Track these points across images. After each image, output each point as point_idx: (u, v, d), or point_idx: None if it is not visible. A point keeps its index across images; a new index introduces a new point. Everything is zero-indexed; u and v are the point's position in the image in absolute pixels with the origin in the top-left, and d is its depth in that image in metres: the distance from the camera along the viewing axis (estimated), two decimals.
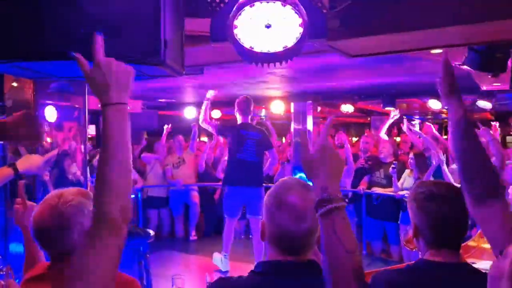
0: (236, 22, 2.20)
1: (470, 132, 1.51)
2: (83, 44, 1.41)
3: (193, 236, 7.57)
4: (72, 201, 1.51)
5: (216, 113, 9.04)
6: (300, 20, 2.12)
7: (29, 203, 1.95)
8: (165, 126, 7.70)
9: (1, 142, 1.26)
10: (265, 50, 2.18)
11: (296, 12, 2.11)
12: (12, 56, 1.45)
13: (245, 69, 4.80)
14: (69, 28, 1.43)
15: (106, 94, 1.14)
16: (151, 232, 4.37)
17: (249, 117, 5.33)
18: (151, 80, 2.04)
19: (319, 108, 8.11)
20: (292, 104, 7.40)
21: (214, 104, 8.74)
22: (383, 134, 6.74)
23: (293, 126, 7.43)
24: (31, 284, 1.56)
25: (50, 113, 5.14)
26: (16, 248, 3.67)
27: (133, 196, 7.23)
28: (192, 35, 2.75)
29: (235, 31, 2.20)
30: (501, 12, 2.25)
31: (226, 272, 5.29)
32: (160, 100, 8.40)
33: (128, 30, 1.56)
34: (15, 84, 3.85)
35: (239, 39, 2.19)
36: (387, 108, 7.43)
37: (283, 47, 2.15)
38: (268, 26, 2.16)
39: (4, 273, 1.47)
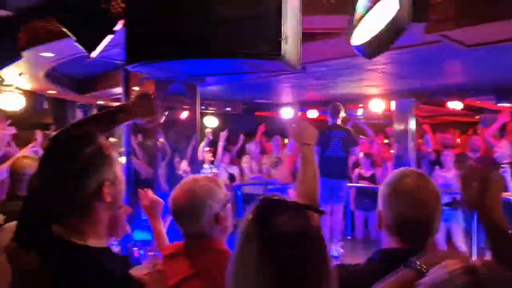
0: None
1: None
2: (217, 42, 1.58)
3: None
4: (205, 186, 1.66)
5: (313, 113, 9.06)
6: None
7: (154, 197, 2.15)
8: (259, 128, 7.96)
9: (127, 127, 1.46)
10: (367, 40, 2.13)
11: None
12: (156, 57, 1.65)
13: (346, 67, 4.77)
14: (203, 28, 1.60)
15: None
16: None
17: (337, 120, 6.21)
18: (250, 81, 2.15)
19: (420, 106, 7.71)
20: (392, 103, 7.14)
21: (311, 104, 8.82)
22: (492, 135, 6.18)
23: (394, 126, 7.17)
24: (170, 260, 1.74)
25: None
26: (139, 235, 4.07)
27: (232, 193, 7.60)
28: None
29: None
30: None
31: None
32: (257, 101, 8.67)
33: (251, 27, 1.69)
34: (136, 88, 4.29)
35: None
36: (500, 105, 6.83)
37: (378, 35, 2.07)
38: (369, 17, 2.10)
39: (152, 253, 1.66)
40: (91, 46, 2.14)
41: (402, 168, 1.49)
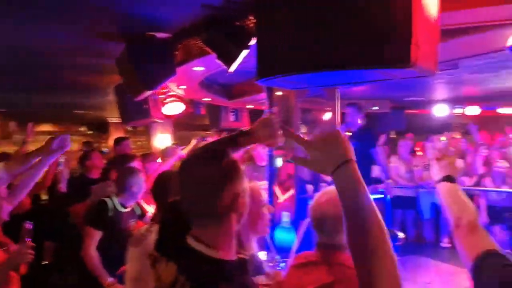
0: None
1: None
2: (345, 52, 1.56)
3: (446, 243, 7.04)
4: None
5: (475, 110, 8.12)
6: None
7: None
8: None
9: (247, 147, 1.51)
10: None
11: None
12: (285, 71, 1.70)
13: (506, 59, 4.16)
14: (330, 38, 1.59)
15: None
16: (401, 235, 4.29)
17: None
18: (398, 80, 2.04)
19: None
20: None
21: (471, 100, 7.92)
22: None
23: None
24: (304, 269, 1.77)
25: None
26: (280, 235, 4.25)
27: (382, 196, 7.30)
28: (445, 29, 2.59)
29: None
30: None
31: None
32: (407, 99, 8.15)
33: (379, 34, 1.61)
34: (279, 93, 4.46)
35: None
36: None
37: None
38: None
39: (273, 265, 1.72)
40: (229, 61, 2.31)
41: None
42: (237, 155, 1.39)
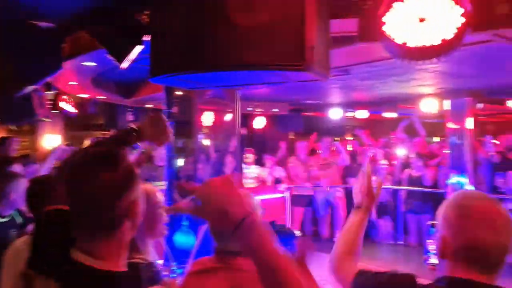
0: (384, 19, 2.10)
1: None
2: (238, 55, 1.52)
3: None
4: None
5: (364, 114, 8.80)
6: (461, 10, 1.92)
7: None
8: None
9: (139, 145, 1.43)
10: (419, 45, 2.04)
11: (456, 2, 1.91)
12: (179, 70, 1.62)
13: (393, 67, 4.54)
14: (225, 41, 1.55)
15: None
16: (297, 233, 4.45)
17: None
18: (296, 83, 2.07)
19: (480, 105, 7.22)
20: (446, 102, 6.74)
21: (360, 104, 8.57)
22: None
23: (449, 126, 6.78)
24: (203, 275, 1.69)
25: (207, 118, 5.65)
26: (179, 239, 4.12)
27: (281, 195, 7.53)
28: (336, 36, 2.71)
29: (384, 28, 2.11)
30: None
31: None
32: (305, 102, 8.53)
33: (273, 38, 1.61)
34: (179, 92, 4.33)
35: (390, 35, 2.09)
36: None
37: (441, 40, 1.98)
38: (422, 20, 2.02)
39: (169, 273, 1.63)
40: (121, 57, 2.16)
41: (467, 190, 1.38)
42: (133, 157, 1.27)
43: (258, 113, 8.35)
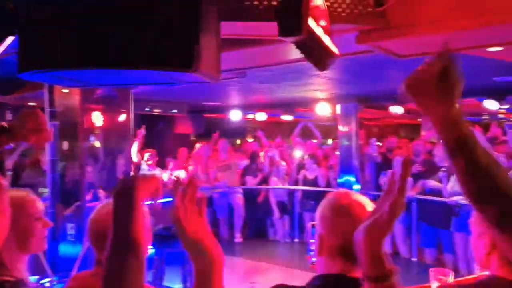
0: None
1: None
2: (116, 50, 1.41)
3: (238, 238, 7.61)
4: None
5: (263, 116, 9.02)
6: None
7: None
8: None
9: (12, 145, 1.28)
10: None
11: None
12: (50, 66, 1.46)
13: (288, 72, 4.71)
14: (103, 35, 1.42)
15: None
16: None
17: None
18: (195, 84, 2.01)
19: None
20: (338, 106, 7.21)
21: (260, 107, 8.79)
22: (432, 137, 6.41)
23: (339, 129, 7.25)
24: (85, 278, 1.58)
25: (97, 118, 5.33)
26: (65, 249, 3.81)
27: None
28: (233, 38, 2.71)
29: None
30: None
31: None
32: (205, 103, 8.49)
33: (160, 36, 1.53)
34: (65, 90, 4.00)
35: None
36: None
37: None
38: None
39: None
40: None
41: (340, 189, 1.45)
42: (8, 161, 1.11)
43: (156, 114, 8.09)
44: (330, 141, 11.70)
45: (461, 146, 0.96)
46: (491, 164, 0.96)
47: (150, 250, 4.28)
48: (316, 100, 7.50)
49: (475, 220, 1.59)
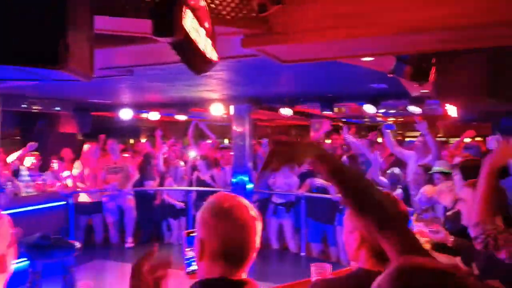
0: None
1: None
2: None
3: (130, 243, 7.28)
4: None
5: (156, 115, 8.77)
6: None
7: None
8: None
9: None
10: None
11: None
12: None
13: (179, 72, 4.63)
14: None
15: None
16: (77, 244, 4.09)
17: None
18: (79, 81, 1.85)
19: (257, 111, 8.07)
20: (231, 107, 7.30)
21: (153, 106, 8.52)
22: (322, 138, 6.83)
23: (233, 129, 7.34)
24: None
25: None
26: None
27: (64, 202, 6.83)
28: (120, 35, 2.56)
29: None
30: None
31: None
32: (93, 100, 7.97)
33: (26, 29, 1.39)
34: None
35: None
36: (324, 113, 7.52)
37: None
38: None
39: None
40: None
41: (222, 193, 1.44)
42: None
43: (36, 111, 7.38)
44: (226, 141, 11.83)
45: (334, 176, 1.26)
46: (363, 183, 1.26)
47: (20, 264, 3.90)
48: (211, 101, 7.51)
49: (347, 216, 1.72)
